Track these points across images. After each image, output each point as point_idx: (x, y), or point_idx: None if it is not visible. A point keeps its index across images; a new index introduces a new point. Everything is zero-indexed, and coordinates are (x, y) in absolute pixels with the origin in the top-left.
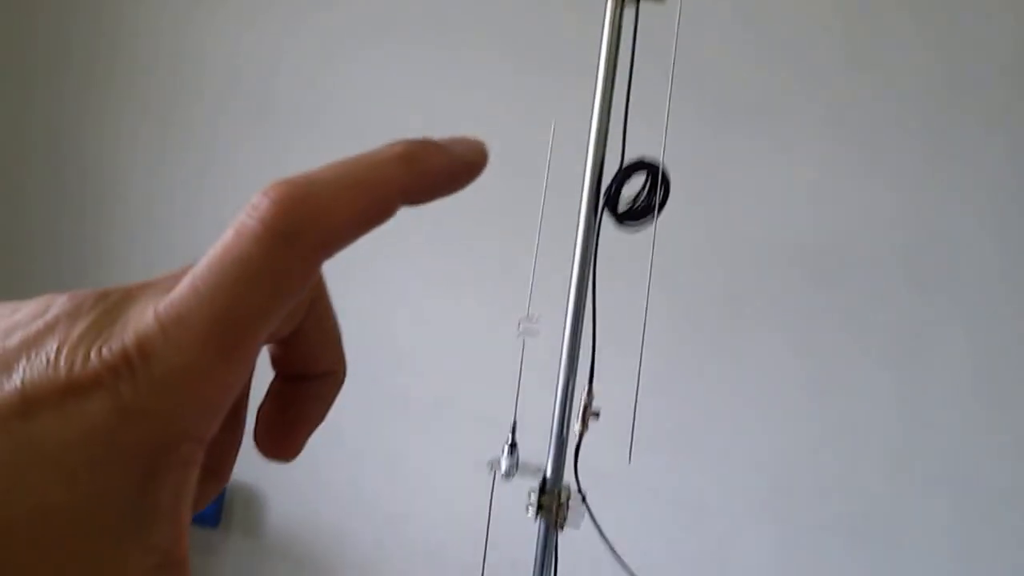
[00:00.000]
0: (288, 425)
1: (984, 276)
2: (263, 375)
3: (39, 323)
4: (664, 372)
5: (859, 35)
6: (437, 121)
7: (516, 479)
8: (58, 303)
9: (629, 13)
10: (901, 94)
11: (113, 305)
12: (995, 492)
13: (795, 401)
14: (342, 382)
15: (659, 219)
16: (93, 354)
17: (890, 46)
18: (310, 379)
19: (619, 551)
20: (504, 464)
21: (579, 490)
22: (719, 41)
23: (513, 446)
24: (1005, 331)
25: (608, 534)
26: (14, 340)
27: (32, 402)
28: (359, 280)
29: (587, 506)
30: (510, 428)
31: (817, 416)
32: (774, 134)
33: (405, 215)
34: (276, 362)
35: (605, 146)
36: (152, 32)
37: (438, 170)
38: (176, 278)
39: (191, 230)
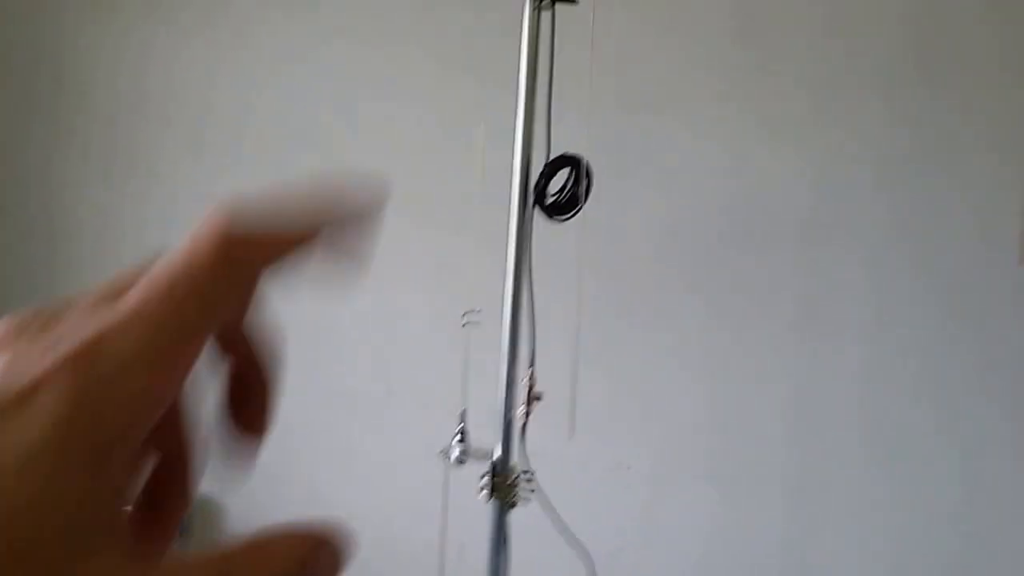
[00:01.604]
0: (248, 408)
1: (879, 231)
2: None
3: None
4: (597, 348)
5: (750, 15)
6: (371, 126)
7: (466, 464)
8: (2, 324)
9: (547, 15)
10: (791, 68)
11: (55, 317)
12: (905, 431)
13: (717, 364)
14: (280, 364)
15: (585, 206)
16: (41, 362)
17: (776, 25)
18: (253, 367)
19: (567, 524)
20: (456, 451)
21: (527, 470)
22: (626, 35)
23: (463, 434)
24: (902, 284)
25: (556, 508)
26: None
27: None
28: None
29: (536, 484)
30: (459, 417)
31: (737, 377)
32: (681, 116)
33: None
34: (218, 353)
35: (531, 144)
36: (92, 61)
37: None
38: (113, 288)
39: (138, 247)
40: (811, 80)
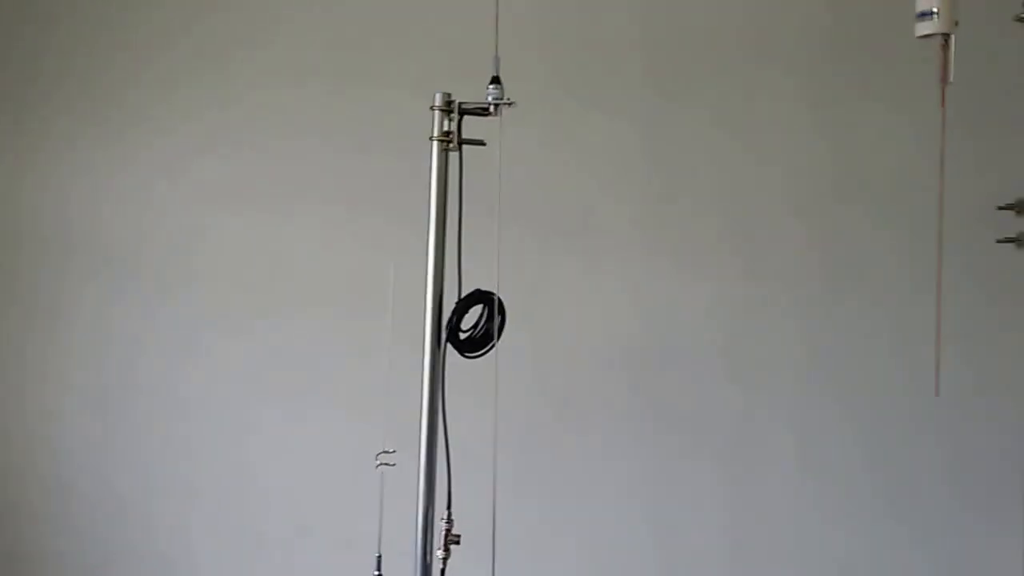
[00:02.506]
0: None
1: (798, 357)
2: None
3: None
4: (519, 481)
5: (660, 144)
6: (295, 272)
7: None
8: None
9: (455, 156)
10: (700, 196)
11: None
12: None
13: (644, 495)
14: None
15: (499, 341)
16: None
17: (686, 154)
18: None
19: None
20: None
21: None
22: (536, 173)
23: None
24: (823, 412)
25: None
26: None
27: None
28: (215, 411)
29: None
30: (375, 562)
31: (649, 515)
32: (590, 250)
33: (263, 353)
34: None
35: (442, 281)
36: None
37: None
38: None
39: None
40: (721, 207)
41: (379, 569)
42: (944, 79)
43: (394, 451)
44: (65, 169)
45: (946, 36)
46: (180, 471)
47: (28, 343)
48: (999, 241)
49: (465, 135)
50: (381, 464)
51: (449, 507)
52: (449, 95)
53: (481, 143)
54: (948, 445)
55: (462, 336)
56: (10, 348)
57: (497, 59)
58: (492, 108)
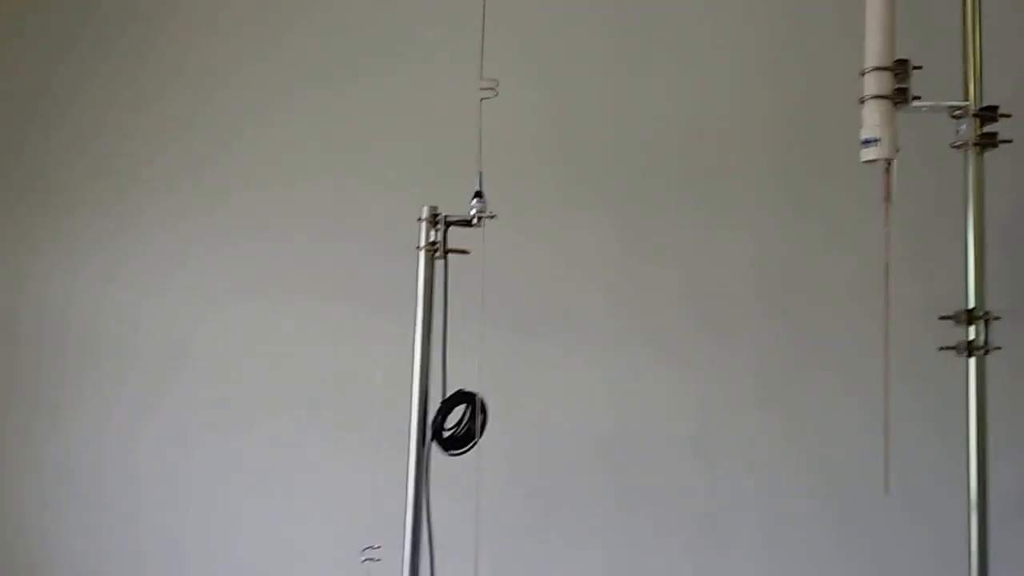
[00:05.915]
0: None
1: (764, 447)
2: None
3: None
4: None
5: (632, 237)
6: (288, 368)
7: None
8: None
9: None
10: (672, 293)
11: None
12: None
13: None
14: None
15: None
16: None
17: (658, 247)
18: None
19: None
20: None
21: None
22: (517, 273)
23: None
24: (789, 495)
25: None
26: None
27: None
28: (209, 504)
29: None
30: None
31: None
32: (567, 343)
33: (257, 448)
34: None
35: (427, 382)
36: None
37: None
38: None
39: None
40: (691, 301)
41: None
42: (887, 199)
43: (379, 546)
44: (66, 266)
45: (888, 161)
46: (173, 566)
47: (28, 435)
48: (941, 349)
49: (451, 242)
50: (367, 559)
51: None
52: (436, 208)
53: (465, 252)
54: (904, 533)
55: (445, 435)
56: (9, 439)
57: (480, 175)
58: (475, 220)
